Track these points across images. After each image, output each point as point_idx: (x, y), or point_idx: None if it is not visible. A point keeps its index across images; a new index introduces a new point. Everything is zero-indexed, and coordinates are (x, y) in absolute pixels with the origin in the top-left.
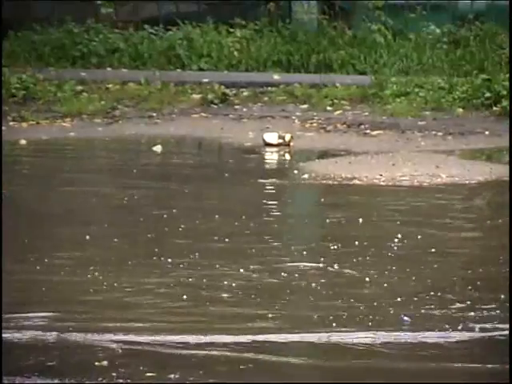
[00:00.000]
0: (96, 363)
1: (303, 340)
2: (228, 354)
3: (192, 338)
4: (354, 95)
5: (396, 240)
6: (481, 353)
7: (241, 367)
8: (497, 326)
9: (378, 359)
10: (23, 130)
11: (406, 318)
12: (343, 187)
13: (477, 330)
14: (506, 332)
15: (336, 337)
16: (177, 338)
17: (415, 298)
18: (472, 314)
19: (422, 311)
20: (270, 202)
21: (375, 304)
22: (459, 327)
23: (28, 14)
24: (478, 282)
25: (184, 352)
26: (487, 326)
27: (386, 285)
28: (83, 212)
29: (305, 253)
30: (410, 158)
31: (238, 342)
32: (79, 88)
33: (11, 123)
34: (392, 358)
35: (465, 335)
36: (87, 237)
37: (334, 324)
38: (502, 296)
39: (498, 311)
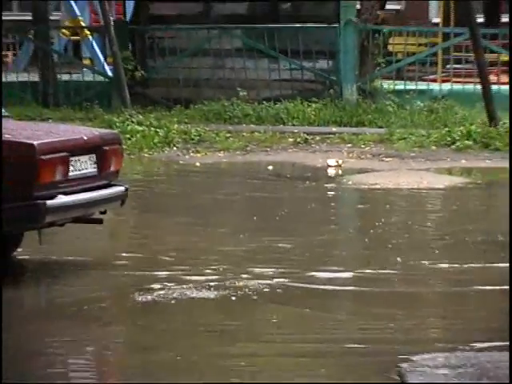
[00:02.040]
0: None
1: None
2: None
3: None
4: (376, 139)
5: (397, 215)
6: None
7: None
8: None
9: None
10: (198, 158)
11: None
12: (370, 188)
13: None
14: None
15: None
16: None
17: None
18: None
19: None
20: (329, 194)
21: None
22: None
23: (200, 95)
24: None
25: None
26: None
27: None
28: (226, 200)
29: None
30: (406, 173)
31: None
32: (228, 135)
33: (192, 154)
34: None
35: None
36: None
37: None
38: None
39: None
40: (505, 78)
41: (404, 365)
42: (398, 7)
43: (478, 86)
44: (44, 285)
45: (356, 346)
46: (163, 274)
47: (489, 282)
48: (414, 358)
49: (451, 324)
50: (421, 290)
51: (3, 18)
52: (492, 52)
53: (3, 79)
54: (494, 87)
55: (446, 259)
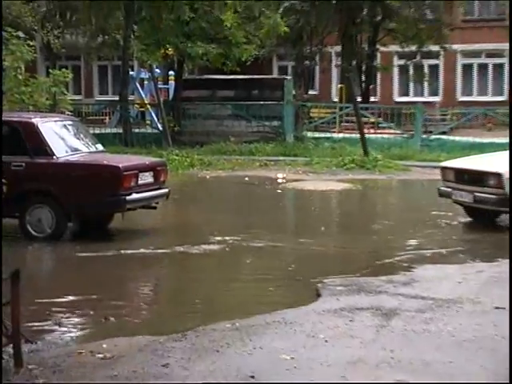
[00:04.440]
0: None
1: None
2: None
3: None
4: (304, 164)
5: (313, 207)
6: None
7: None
8: None
9: None
10: (207, 173)
11: None
12: (300, 190)
13: None
14: None
15: None
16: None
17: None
18: None
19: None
20: (278, 192)
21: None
22: None
23: (209, 140)
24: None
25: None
26: None
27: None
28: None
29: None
30: (319, 182)
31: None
32: (224, 161)
33: (204, 171)
34: None
35: None
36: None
37: None
38: None
39: None
40: (372, 131)
41: (319, 285)
42: (315, 92)
43: (358, 135)
44: (123, 241)
45: (288, 275)
46: (186, 235)
47: (346, 246)
48: (324, 280)
49: (340, 264)
50: (318, 248)
51: (105, 98)
52: (365, 117)
53: (105, 131)
54: (367, 136)
55: (331, 229)
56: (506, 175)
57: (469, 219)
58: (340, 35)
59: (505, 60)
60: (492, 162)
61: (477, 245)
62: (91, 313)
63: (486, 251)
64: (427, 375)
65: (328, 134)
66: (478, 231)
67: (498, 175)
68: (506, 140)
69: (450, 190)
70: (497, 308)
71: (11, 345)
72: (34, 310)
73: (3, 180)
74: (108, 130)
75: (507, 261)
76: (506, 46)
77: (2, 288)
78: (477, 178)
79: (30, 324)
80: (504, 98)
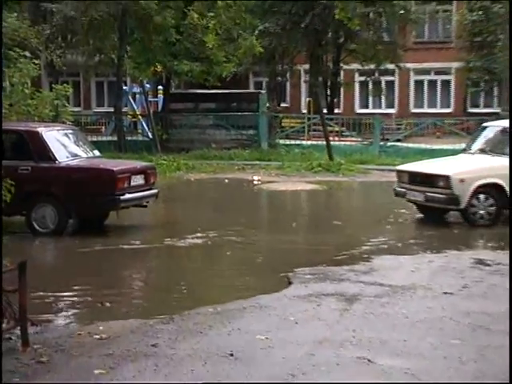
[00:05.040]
0: None
1: None
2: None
3: None
4: (276, 167)
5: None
6: None
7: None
8: None
9: None
10: (192, 176)
11: None
12: (274, 190)
13: None
14: None
15: None
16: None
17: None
18: None
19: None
20: (254, 191)
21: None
22: None
23: (193, 146)
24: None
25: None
26: None
27: None
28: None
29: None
30: (290, 183)
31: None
32: (206, 166)
33: (189, 174)
34: None
35: None
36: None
37: None
38: None
39: None
40: (337, 138)
41: (290, 274)
42: (286, 105)
43: (324, 143)
44: (117, 236)
45: (263, 266)
46: (173, 230)
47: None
48: (295, 270)
49: (309, 256)
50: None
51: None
52: (330, 126)
53: (101, 139)
54: (332, 143)
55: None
56: (454, 177)
57: (420, 216)
58: (308, 55)
59: (451, 77)
60: (441, 166)
61: (427, 238)
62: (89, 299)
63: (435, 244)
64: (384, 352)
65: (298, 142)
66: (428, 226)
67: (447, 177)
68: (453, 146)
69: (404, 190)
70: (445, 293)
71: (19, 327)
72: (39, 297)
73: (11, 182)
74: (104, 138)
75: (454, 252)
76: (452, 64)
77: (2, 277)
78: (428, 179)
79: (35, 309)
80: (450, 109)
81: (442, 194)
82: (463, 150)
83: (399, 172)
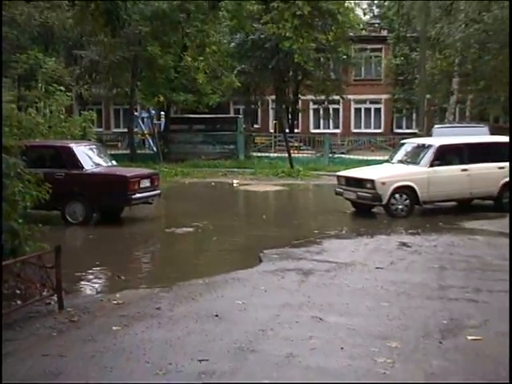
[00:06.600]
0: None
1: None
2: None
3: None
4: (251, 173)
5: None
6: None
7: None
8: None
9: None
10: (186, 180)
11: None
12: (249, 190)
13: None
14: None
15: None
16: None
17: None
18: None
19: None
20: (233, 191)
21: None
22: None
23: (188, 157)
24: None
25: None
26: None
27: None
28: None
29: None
30: (261, 185)
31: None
32: (197, 172)
33: (184, 179)
34: None
35: None
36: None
37: None
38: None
39: None
40: (296, 151)
41: (261, 254)
42: (258, 126)
43: (287, 155)
44: (129, 225)
45: (240, 247)
46: (172, 221)
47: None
48: (264, 251)
49: (275, 240)
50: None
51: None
52: (291, 142)
53: (118, 152)
54: (293, 155)
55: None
56: (377, 180)
57: (354, 210)
58: (274, 88)
59: (381, 105)
60: (368, 172)
61: (362, 226)
62: (108, 273)
63: (369, 230)
64: (332, 313)
65: (267, 154)
66: (361, 218)
67: (372, 181)
68: (382, 157)
69: (342, 190)
70: (377, 268)
71: (56, 295)
72: (71, 272)
73: (49, 185)
74: (120, 152)
75: (384, 236)
76: (382, 96)
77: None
78: (358, 182)
79: (68, 281)
80: (381, 130)
81: (369, 193)
82: (387, 161)
83: (338, 177)
